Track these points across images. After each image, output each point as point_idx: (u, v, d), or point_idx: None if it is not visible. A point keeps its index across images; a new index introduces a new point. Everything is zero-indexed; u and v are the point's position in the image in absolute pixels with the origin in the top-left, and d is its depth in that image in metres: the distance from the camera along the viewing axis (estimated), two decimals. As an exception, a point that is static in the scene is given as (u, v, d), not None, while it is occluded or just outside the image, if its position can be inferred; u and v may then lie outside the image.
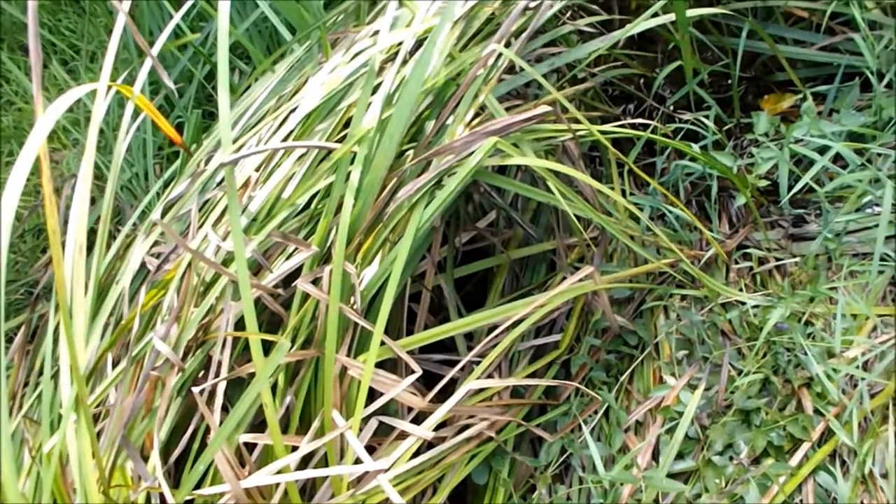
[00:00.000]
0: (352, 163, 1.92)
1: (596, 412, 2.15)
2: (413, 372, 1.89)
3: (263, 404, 1.79)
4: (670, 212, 2.33)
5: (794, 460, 1.94)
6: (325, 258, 1.93)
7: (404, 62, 2.05)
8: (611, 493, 1.99)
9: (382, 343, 1.87)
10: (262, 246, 1.94)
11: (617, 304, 2.25)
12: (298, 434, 1.91)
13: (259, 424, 1.90)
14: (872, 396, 2.00)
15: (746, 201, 2.31)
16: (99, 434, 1.93)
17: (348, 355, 1.90)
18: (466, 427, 2.01)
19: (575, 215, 2.03)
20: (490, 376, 2.07)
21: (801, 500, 1.93)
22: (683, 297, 2.28)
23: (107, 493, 1.79)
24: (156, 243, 2.15)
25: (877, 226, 2.15)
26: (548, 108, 1.97)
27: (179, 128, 2.74)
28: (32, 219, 2.99)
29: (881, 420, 1.99)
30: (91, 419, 1.79)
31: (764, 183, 2.33)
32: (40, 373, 2.09)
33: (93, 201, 2.17)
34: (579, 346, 2.25)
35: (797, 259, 2.28)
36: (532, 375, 2.15)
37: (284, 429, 1.92)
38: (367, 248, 1.92)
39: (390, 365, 1.97)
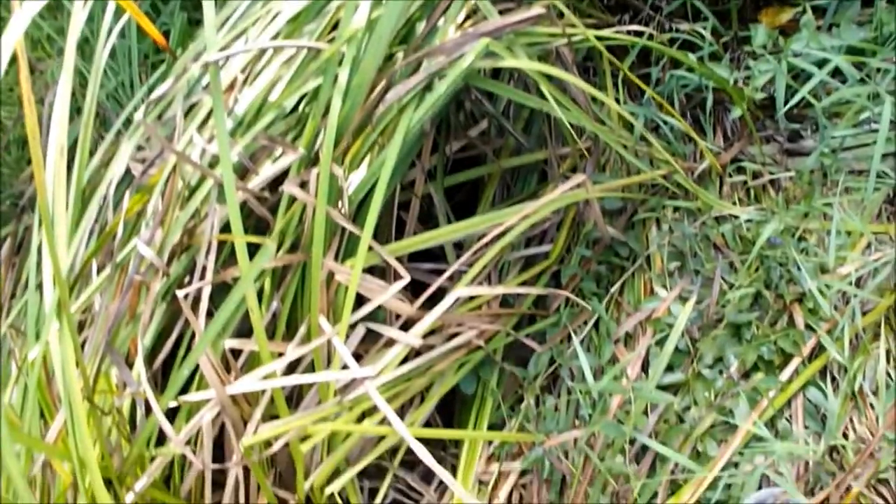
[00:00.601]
0: (340, 64, 1.87)
1: (586, 323, 2.13)
2: (401, 278, 1.86)
3: (249, 309, 1.77)
4: (665, 122, 2.29)
5: (785, 375, 1.93)
6: (312, 161, 1.89)
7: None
8: (599, 403, 1.97)
9: (370, 248, 1.83)
10: (248, 149, 1.90)
11: (608, 215, 2.21)
12: (285, 340, 1.89)
13: (245, 331, 1.88)
14: (864, 313, 1.99)
15: (742, 114, 2.27)
16: (83, 342, 1.92)
17: (335, 260, 1.88)
18: (455, 336, 1.99)
19: (568, 123, 1.99)
20: (479, 285, 2.04)
21: (790, 416, 1.92)
22: (676, 210, 2.24)
23: (91, 400, 1.77)
24: (140, 148, 2.11)
25: (874, 142, 2.11)
26: (542, 11, 1.92)
27: (165, 35, 2.69)
28: (17, 129, 2.94)
29: (872, 337, 1.98)
30: (75, 326, 1.77)
31: (760, 96, 2.28)
32: (26, 285, 2.06)
33: (79, 112, 2.12)
34: (570, 256, 2.22)
35: (792, 174, 2.24)
36: (522, 285, 2.12)
37: (270, 335, 1.90)
38: (356, 151, 1.88)
39: (378, 272, 1.94)
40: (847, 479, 1.81)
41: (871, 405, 1.91)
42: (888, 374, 1.92)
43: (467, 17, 1.97)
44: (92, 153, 2.18)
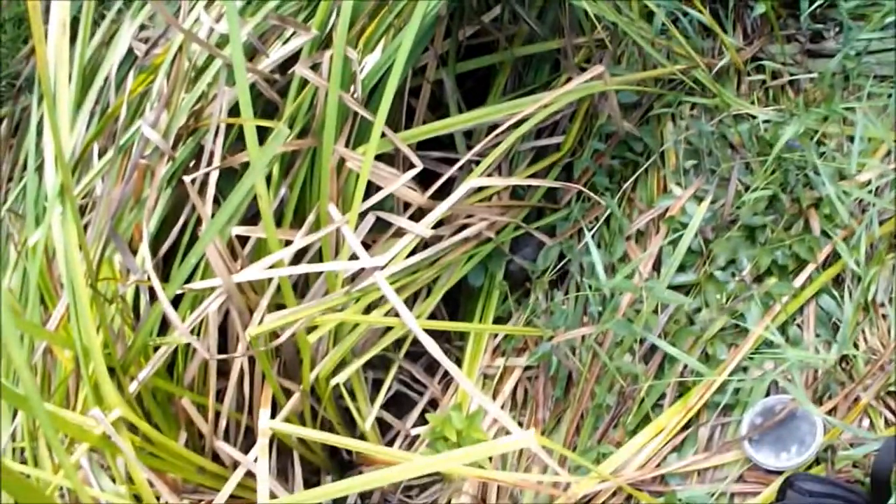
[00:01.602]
0: (357, -58, 1.80)
1: (597, 219, 2.10)
2: (413, 166, 1.82)
3: (257, 196, 1.73)
4: (686, 14, 2.22)
5: (798, 281, 1.90)
6: (324, 43, 1.83)
7: None
8: (609, 301, 1.95)
9: (383, 135, 1.78)
10: (258, 29, 1.84)
11: (623, 109, 2.16)
12: (293, 228, 1.86)
13: (252, 218, 1.84)
14: (882, 223, 1.95)
15: (766, 11, 2.20)
16: (86, 226, 1.88)
17: (346, 146, 1.83)
18: (464, 227, 1.96)
19: (585, 11, 1.93)
20: (490, 176, 2.00)
21: (802, 322, 1.90)
22: (693, 107, 2.19)
23: (94, 287, 1.73)
24: (143, 27, 2.04)
25: (898, 47, 2.05)
26: None
27: None
28: (12, 7, 2.85)
29: (888, 247, 1.94)
30: (77, 210, 1.73)
31: (787, -6, 2.23)
32: (24, 167, 2.01)
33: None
34: (582, 150, 2.18)
35: (813, 76, 2.19)
36: (533, 177, 2.07)
37: (278, 222, 1.86)
38: (370, 33, 1.82)
39: (387, 160, 1.90)
40: (856, 390, 1.80)
41: (884, 316, 1.89)
42: (902, 285, 1.90)
43: None
44: (93, 32, 2.10)
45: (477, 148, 1.90)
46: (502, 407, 1.98)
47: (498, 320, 2.09)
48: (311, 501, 1.59)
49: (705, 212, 1.96)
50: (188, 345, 1.85)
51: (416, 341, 1.96)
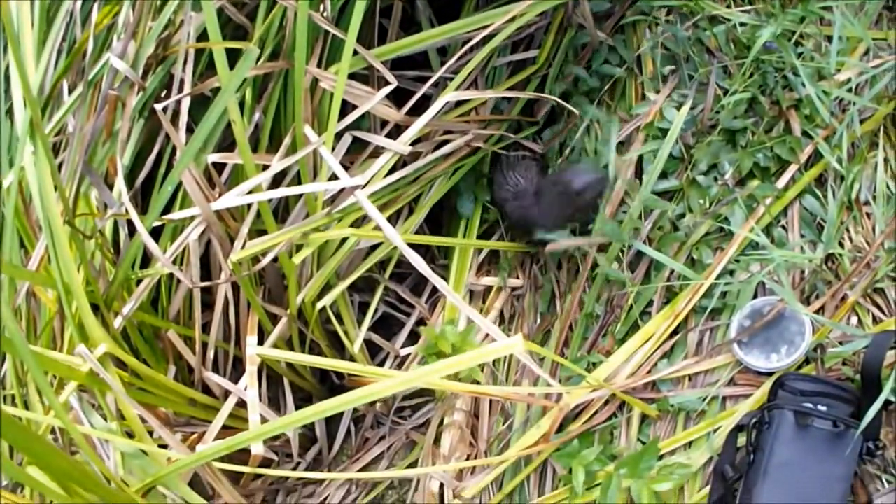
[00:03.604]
0: None
1: (576, 129, 2.08)
2: (387, 84, 1.79)
3: (231, 121, 1.71)
4: (661, -82, 2.19)
5: (781, 182, 1.89)
6: (292, -38, 1.79)
7: None
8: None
9: (355, 52, 1.75)
10: (222, -49, 1.80)
11: (597, 18, 2.12)
12: (269, 152, 1.83)
13: (228, 146, 1.81)
14: (863, 121, 1.94)
15: (741, -90, 2.17)
16: (59, 164, 1.85)
17: (319, 67, 1.80)
18: (444, 144, 1.94)
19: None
20: (467, 90, 1.98)
21: (786, 223, 1.90)
22: (669, 12, 2.15)
23: (72, 224, 1.71)
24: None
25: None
26: None
27: None
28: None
29: (870, 146, 1.94)
30: (49, 148, 1.70)
31: None
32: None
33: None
34: (557, 62, 2.15)
35: (790, -25, 2.16)
36: (510, 91, 2.05)
37: (254, 147, 1.84)
38: (338, -50, 1.79)
39: (361, 80, 1.86)
40: (843, 288, 1.80)
41: (868, 214, 1.88)
42: (886, 183, 1.89)
43: None
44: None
45: (449, 63, 1.88)
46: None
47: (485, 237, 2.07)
48: (301, 422, 1.58)
49: (685, 117, 1.94)
50: (171, 276, 1.83)
51: (400, 263, 1.96)
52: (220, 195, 1.76)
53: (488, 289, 2.06)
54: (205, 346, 1.92)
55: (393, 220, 1.94)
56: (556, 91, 2.12)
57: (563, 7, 2.10)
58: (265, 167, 1.77)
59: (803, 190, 1.90)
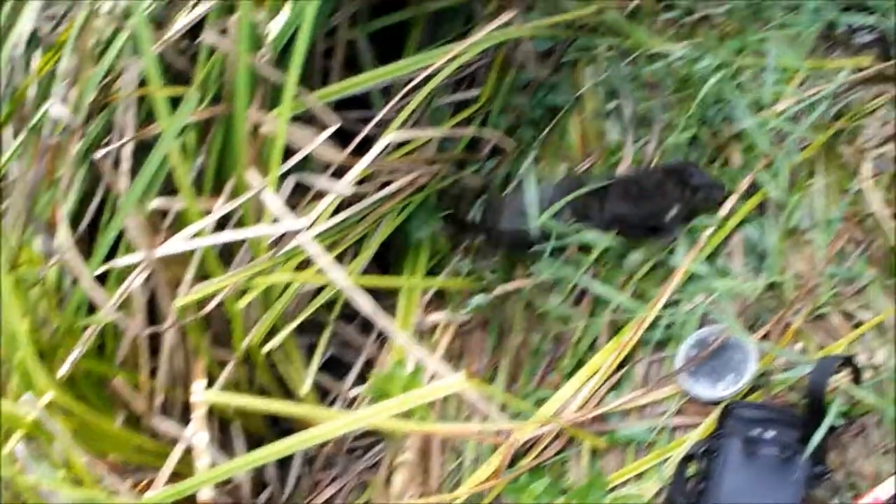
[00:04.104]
0: None
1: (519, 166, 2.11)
2: (329, 126, 1.80)
3: (172, 166, 1.70)
4: (599, -43, 2.23)
5: (722, 212, 1.91)
6: (230, 8, 1.80)
7: None
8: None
9: (296, 95, 1.76)
10: (162, -3, 1.81)
11: (538, 56, 2.16)
12: (213, 196, 1.83)
13: (172, 191, 1.81)
14: (801, 149, 1.97)
15: (675, -52, 2.21)
16: (3, 212, 1.85)
17: (261, 110, 1.80)
18: (390, 183, 1.95)
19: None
20: (409, 130, 1.99)
21: (728, 253, 1.92)
22: (609, 49, 2.19)
23: (16, 272, 1.70)
24: (46, 6, 2.01)
25: (808, -24, 2.06)
26: None
27: None
28: None
29: (809, 174, 1.96)
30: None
31: (691, -71, 2.23)
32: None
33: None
34: (500, 99, 2.17)
35: (725, 8, 2.20)
36: (453, 129, 2.07)
37: (198, 191, 1.84)
38: (275, -5, 1.80)
39: (305, 122, 1.87)
40: (787, 315, 1.82)
41: (809, 241, 1.91)
42: (824, 210, 1.92)
43: None
44: (-5, 14, 2.07)
45: (392, 102, 1.89)
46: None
47: (432, 274, 2.08)
48: (251, 465, 1.58)
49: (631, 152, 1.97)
50: (117, 322, 1.83)
51: (348, 303, 1.96)
52: (165, 240, 1.76)
53: (438, 324, 2.06)
54: (152, 391, 1.90)
55: (339, 260, 1.94)
56: (500, 124, 2.15)
57: (504, 45, 2.12)
58: (208, 211, 1.77)
59: (744, 219, 1.92)
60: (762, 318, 1.83)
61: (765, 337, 1.81)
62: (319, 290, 1.95)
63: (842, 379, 1.72)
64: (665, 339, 1.84)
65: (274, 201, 1.74)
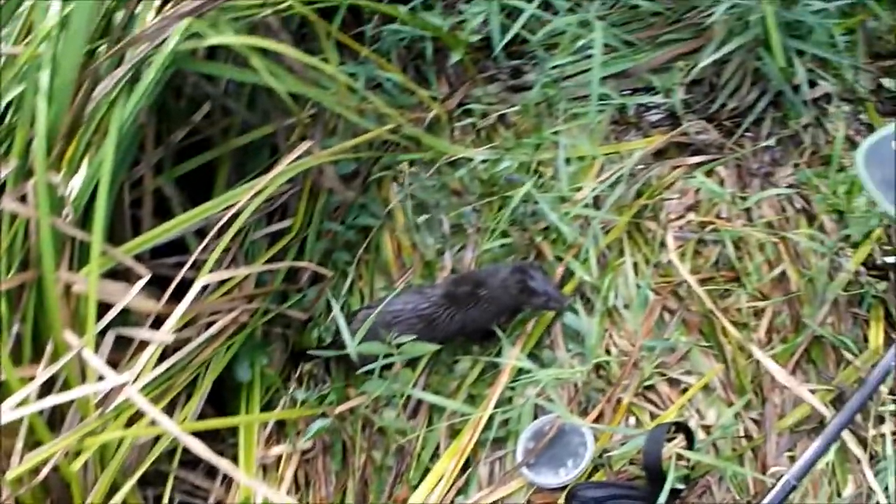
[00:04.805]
0: (39, 67, 1.78)
1: (338, 291, 2.15)
2: (142, 277, 1.80)
3: (-17, 339, 1.68)
4: (388, 79, 2.29)
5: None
6: (28, 172, 1.79)
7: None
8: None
9: (105, 252, 1.76)
10: (-42, 172, 1.80)
11: (344, 179, 2.20)
12: (33, 363, 1.80)
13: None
14: (606, 232, 2.06)
15: (461, 58, 2.29)
16: None
17: (71, 270, 1.79)
18: (212, 324, 1.95)
19: (290, 93, 1.97)
20: (227, 269, 2.00)
21: (551, 343, 1.97)
22: (412, 163, 2.26)
23: None
24: None
25: (592, 68, 2.16)
26: (241, -18, 1.89)
27: None
28: None
29: (619, 253, 2.05)
30: None
31: (477, 38, 2.32)
32: None
33: None
34: (313, 226, 2.20)
35: (518, 108, 2.29)
36: (269, 262, 2.08)
37: (18, 359, 1.80)
38: (71, 154, 1.80)
39: (122, 274, 1.86)
40: (616, 393, 1.88)
41: (626, 318, 1.98)
42: (637, 286, 1.99)
43: (166, 0, 1.92)
44: None
45: (203, 244, 1.89)
46: (287, 493, 1.97)
47: (267, 407, 2.07)
48: None
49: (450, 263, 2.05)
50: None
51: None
52: (-12, 413, 1.72)
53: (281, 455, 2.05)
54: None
55: (172, 406, 1.92)
56: (316, 251, 2.17)
57: (310, 173, 2.16)
58: (30, 378, 1.74)
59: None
60: (593, 399, 1.89)
61: (599, 417, 1.86)
62: (157, 439, 1.92)
63: (677, 445, 1.78)
64: (503, 436, 1.88)
65: (94, 360, 1.72)
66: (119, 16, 1.89)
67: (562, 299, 1.90)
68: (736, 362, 1.90)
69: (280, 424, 2.04)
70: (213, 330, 1.93)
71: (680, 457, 1.76)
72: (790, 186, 2.12)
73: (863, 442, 1.79)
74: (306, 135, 2.17)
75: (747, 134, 2.21)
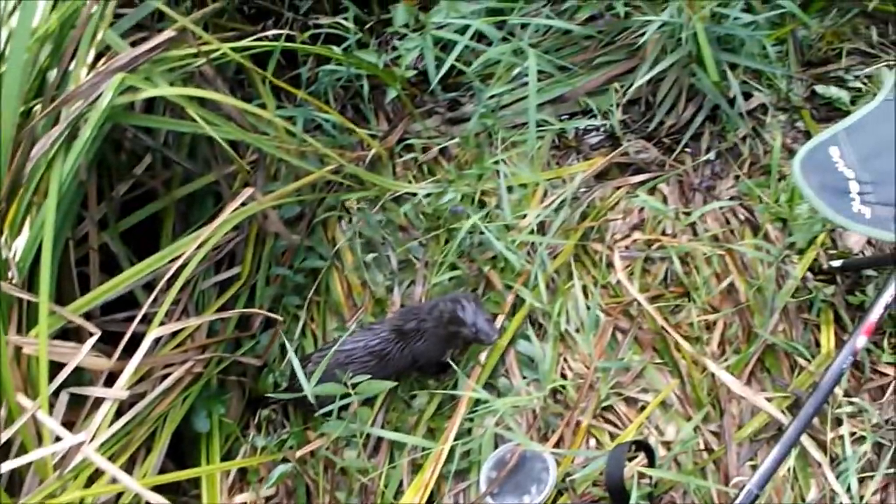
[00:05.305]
0: (-26, 132, 1.77)
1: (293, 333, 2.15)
2: (92, 335, 1.79)
3: (-64, 409, 1.66)
4: (327, 120, 2.30)
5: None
6: (-30, 238, 1.78)
7: (10, 14, 1.91)
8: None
9: (53, 312, 1.75)
10: None
11: (289, 223, 2.21)
12: (-13, 429, 1.78)
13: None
14: (554, 258, 2.07)
15: (398, 94, 2.31)
16: None
17: (19, 333, 1.78)
18: (167, 377, 1.93)
19: (229, 140, 1.97)
20: (178, 321, 1.99)
21: (506, 371, 1.98)
22: (358, 201, 2.26)
23: None
24: None
25: (528, 95, 2.18)
26: (172, 34, 1.89)
27: None
28: None
29: (567, 277, 2.06)
30: None
31: (412, 73, 2.34)
32: None
33: None
34: (261, 272, 2.20)
35: (458, 140, 2.30)
36: (220, 311, 2.07)
37: (-28, 427, 1.78)
38: (13, 216, 1.79)
39: (74, 333, 1.85)
40: (574, 416, 1.89)
41: (578, 341, 1.99)
42: (588, 308, 2.00)
43: (99, 56, 1.91)
44: None
45: (152, 296, 1.88)
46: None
47: (228, 456, 2.06)
48: None
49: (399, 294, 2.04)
50: None
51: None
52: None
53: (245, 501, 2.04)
54: None
55: (132, 461, 1.90)
56: (266, 297, 2.17)
57: (255, 219, 2.16)
58: (-14, 445, 1.72)
59: (514, 335, 2.00)
60: (552, 424, 1.90)
61: (559, 442, 1.87)
62: (119, 496, 1.90)
63: (639, 463, 1.79)
64: (466, 468, 1.88)
65: (49, 421, 1.70)
66: (52, 74, 1.88)
67: (490, 332, 1.87)
68: (691, 377, 1.92)
69: (242, 472, 2.03)
70: (167, 382, 1.92)
71: (642, 475, 1.77)
72: (733, 198, 2.15)
73: (822, 445, 1.82)
74: (249, 181, 2.17)
75: (687, 150, 2.24)
